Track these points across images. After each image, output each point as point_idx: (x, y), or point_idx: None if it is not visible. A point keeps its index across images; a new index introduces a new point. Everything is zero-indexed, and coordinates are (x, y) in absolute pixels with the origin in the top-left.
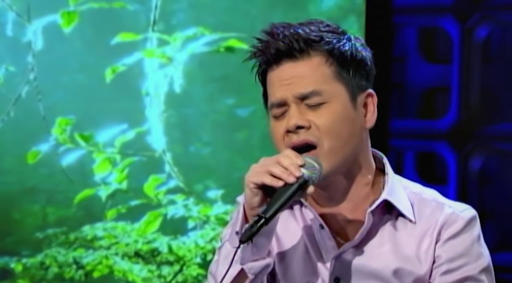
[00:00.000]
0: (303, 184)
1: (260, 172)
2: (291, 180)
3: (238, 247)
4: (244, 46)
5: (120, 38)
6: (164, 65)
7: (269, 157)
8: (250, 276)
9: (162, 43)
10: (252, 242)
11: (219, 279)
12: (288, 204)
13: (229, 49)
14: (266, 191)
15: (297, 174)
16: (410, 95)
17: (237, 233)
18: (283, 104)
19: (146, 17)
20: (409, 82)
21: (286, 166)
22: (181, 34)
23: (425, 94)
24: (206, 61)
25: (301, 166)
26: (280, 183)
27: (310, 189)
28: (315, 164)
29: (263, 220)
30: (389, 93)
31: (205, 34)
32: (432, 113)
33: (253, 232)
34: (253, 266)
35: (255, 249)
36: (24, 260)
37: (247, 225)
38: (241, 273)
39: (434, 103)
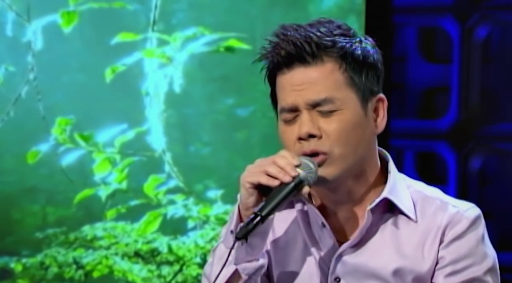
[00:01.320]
0: (298, 183)
1: (256, 172)
2: (287, 179)
3: (234, 244)
4: (244, 46)
5: (120, 38)
6: (164, 65)
7: (265, 157)
8: (244, 277)
9: (162, 43)
10: (246, 241)
11: (213, 280)
12: (283, 203)
13: (229, 49)
14: (262, 191)
15: (293, 174)
16: (410, 95)
17: (231, 232)
18: (294, 109)
19: (146, 17)
20: (409, 82)
21: (282, 166)
22: (181, 34)
23: (425, 94)
24: (206, 61)
25: (297, 166)
26: (276, 182)
27: (306, 189)
28: (311, 165)
29: (259, 218)
30: (389, 93)
31: (205, 34)
32: (432, 113)
33: (249, 229)
34: (246, 267)
35: (249, 249)
36: (24, 260)
37: (242, 223)
38: (235, 274)
39: (434, 103)
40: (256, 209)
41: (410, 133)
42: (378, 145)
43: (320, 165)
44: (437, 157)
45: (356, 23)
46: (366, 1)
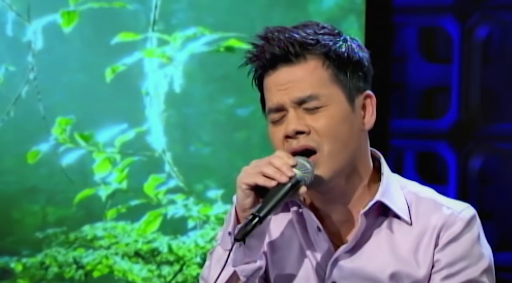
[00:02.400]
0: (295, 183)
1: (253, 173)
2: (283, 179)
3: (233, 245)
4: (244, 46)
5: (120, 38)
6: (164, 65)
7: (261, 158)
8: (242, 279)
9: (162, 43)
10: (244, 243)
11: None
12: (281, 204)
13: (229, 49)
14: (258, 193)
15: (290, 174)
16: (410, 95)
17: (229, 233)
18: (280, 109)
19: (146, 17)
20: (409, 82)
21: (278, 166)
22: (181, 34)
23: (425, 94)
24: (206, 61)
25: (293, 166)
26: (273, 183)
27: (302, 189)
28: (307, 165)
29: (257, 219)
30: (389, 93)
31: (205, 34)
32: (432, 113)
33: (248, 230)
34: (245, 269)
35: (247, 251)
36: (24, 260)
37: (240, 225)
38: (233, 276)
39: (434, 103)
40: (254, 210)
41: (410, 133)
42: (378, 145)
43: None
44: (437, 157)
45: (356, 23)
46: (366, 1)
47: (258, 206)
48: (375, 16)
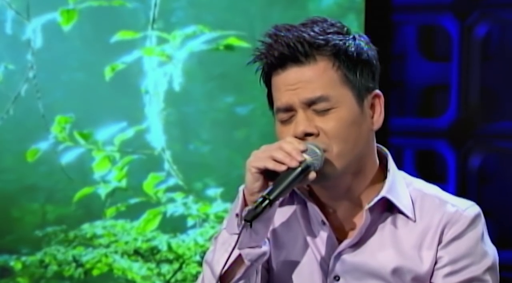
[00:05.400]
0: (305, 168)
1: (263, 157)
2: (293, 164)
3: (242, 227)
4: (244, 44)
5: (120, 36)
6: (163, 63)
7: (270, 144)
8: (247, 263)
9: (161, 41)
10: (251, 226)
11: (216, 267)
12: (290, 188)
13: (229, 47)
14: (268, 177)
15: (300, 159)
16: (409, 93)
17: (237, 215)
18: (289, 109)
19: (146, 15)
20: (409, 80)
21: (289, 151)
22: (181, 32)
23: (424, 92)
24: (206, 59)
25: (303, 152)
26: (283, 167)
27: (312, 175)
28: (317, 150)
29: (267, 201)
30: (389, 91)
31: (205, 32)
32: (432, 111)
33: (258, 212)
34: (250, 252)
35: (253, 235)
36: (23, 258)
37: (250, 207)
38: (238, 259)
39: (433, 101)
40: (263, 193)
41: (410, 131)
42: (377, 143)
43: None
44: (437, 155)
45: (355, 22)
46: None
47: (268, 189)
48: (374, 14)
